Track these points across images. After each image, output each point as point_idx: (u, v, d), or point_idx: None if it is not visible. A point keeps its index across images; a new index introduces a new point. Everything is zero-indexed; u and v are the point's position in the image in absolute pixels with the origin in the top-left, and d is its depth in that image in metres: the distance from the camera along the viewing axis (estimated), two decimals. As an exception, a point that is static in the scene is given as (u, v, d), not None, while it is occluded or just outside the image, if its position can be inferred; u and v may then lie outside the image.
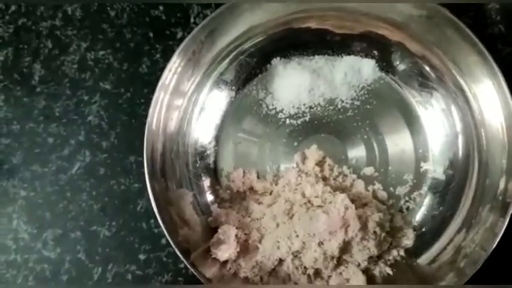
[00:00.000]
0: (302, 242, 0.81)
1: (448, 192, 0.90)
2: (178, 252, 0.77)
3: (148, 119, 0.81)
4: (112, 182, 0.92)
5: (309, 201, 0.84)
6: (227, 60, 0.92)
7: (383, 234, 0.82)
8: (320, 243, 0.80)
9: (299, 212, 0.82)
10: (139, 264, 0.87)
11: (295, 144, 0.93)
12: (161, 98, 0.84)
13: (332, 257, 0.82)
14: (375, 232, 0.81)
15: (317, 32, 0.92)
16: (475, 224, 0.80)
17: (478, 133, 0.87)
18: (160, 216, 0.78)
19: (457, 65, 0.86)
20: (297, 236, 0.80)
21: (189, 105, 0.91)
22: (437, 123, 0.91)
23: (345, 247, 0.82)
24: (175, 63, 0.84)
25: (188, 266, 0.77)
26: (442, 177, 0.91)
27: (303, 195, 0.84)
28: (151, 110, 0.81)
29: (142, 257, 0.88)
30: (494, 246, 0.72)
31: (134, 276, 0.86)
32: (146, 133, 0.80)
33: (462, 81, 0.87)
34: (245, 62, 0.92)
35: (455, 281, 0.76)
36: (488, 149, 0.85)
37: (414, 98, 0.93)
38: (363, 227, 0.80)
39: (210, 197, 0.92)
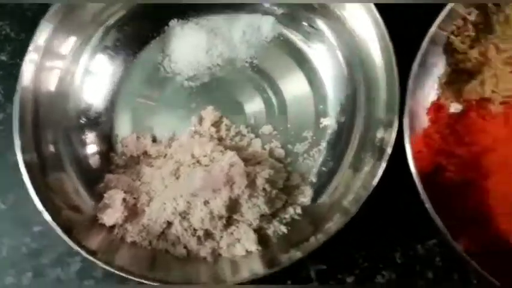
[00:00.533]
0: (187, 202, 0.78)
1: (339, 141, 0.88)
2: (59, 232, 0.77)
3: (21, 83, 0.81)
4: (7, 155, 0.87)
5: (198, 161, 0.80)
6: (108, 23, 0.90)
7: (274, 192, 0.79)
8: (206, 203, 0.77)
9: (185, 172, 0.77)
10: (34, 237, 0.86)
11: (193, 106, 0.90)
12: (35, 59, 0.84)
13: (220, 217, 0.78)
14: (264, 189, 0.78)
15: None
16: (359, 168, 0.81)
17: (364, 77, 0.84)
18: (42, 204, 0.78)
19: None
20: (181, 196, 0.75)
21: (70, 68, 0.90)
22: (337, 78, 0.89)
23: (233, 205, 0.80)
24: (48, 23, 0.83)
25: (71, 244, 0.76)
26: (336, 127, 0.88)
27: (193, 155, 0.79)
28: (22, 70, 0.82)
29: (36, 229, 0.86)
30: (373, 186, 0.74)
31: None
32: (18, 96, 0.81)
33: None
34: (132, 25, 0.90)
35: (342, 220, 0.76)
36: (370, 96, 0.83)
37: (314, 55, 0.92)
38: (251, 184, 0.78)
39: (104, 165, 0.89)
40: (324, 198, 0.85)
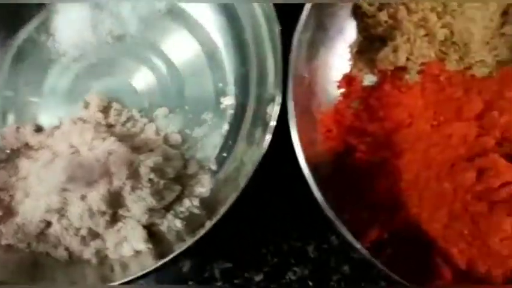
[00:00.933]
0: (63, 198, 0.65)
1: (238, 123, 0.79)
2: None
3: None
4: None
5: (78, 151, 0.67)
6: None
7: (163, 182, 0.68)
8: (83, 197, 0.65)
9: (59, 164, 0.65)
10: None
11: (81, 89, 0.81)
12: None
13: (102, 212, 0.68)
14: (150, 180, 0.66)
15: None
16: (251, 144, 0.72)
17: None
18: None
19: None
20: (54, 191, 0.64)
21: None
22: (234, 54, 0.80)
23: (115, 199, 0.70)
24: None
25: None
26: (235, 107, 0.79)
27: (71, 144, 0.68)
28: None
29: None
30: (259, 160, 0.65)
31: None
32: None
33: None
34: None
35: (234, 195, 0.65)
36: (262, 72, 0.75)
37: (212, 28, 0.82)
38: (134, 175, 0.67)
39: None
40: (222, 185, 0.74)
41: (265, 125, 0.64)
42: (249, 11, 0.71)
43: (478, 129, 0.64)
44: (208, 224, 0.64)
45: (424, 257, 0.64)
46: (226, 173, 0.75)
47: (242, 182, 0.63)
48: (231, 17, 0.77)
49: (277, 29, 0.65)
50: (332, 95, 0.75)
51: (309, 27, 0.67)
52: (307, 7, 0.65)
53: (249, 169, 0.63)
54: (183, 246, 0.63)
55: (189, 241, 0.63)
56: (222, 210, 0.63)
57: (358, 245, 0.57)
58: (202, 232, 0.63)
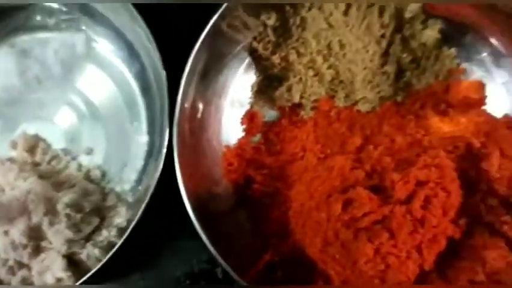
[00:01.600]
0: None
1: (152, 157, 0.86)
2: None
3: None
4: None
5: (3, 190, 0.76)
6: None
7: (79, 216, 0.75)
8: (5, 232, 0.72)
9: None
10: None
11: (10, 130, 0.88)
12: None
13: (24, 245, 0.74)
14: (68, 215, 0.73)
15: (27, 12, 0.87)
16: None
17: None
18: None
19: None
20: None
21: None
22: (148, 92, 0.86)
23: (36, 233, 0.77)
24: None
25: None
26: (148, 143, 0.87)
27: None
28: None
29: None
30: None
31: None
32: None
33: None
34: None
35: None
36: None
37: (126, 70, 0.90)
38: (52, 211, 0.74)
39: None
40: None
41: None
42: (148, 53, 0.78)
43: (353, 163, 0.70)
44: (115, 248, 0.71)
45: (309, 277, 0.71)
46: (138, 201, 0.81)
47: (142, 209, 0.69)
48: (137, 59, 0.84)
49: (164, 74, 0.73)
50: (234, 131, 0.82)
51: (201, 63, 0.77)
52: (198, 46, 0.74)
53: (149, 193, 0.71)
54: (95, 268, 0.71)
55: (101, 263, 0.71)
56: (127, 233, 0.70)
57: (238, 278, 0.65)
58: (111, 253, 0.71)
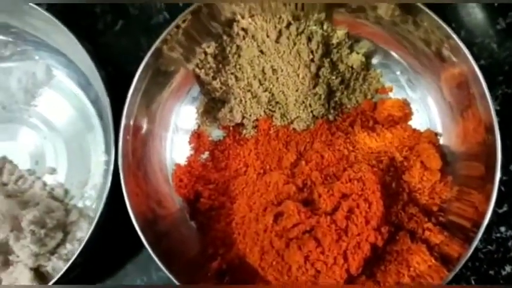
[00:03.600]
0: None
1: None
2: None
3: None
4: None
5: None
6: None
7: (43, 231, 0.83)
8: None
9: None
10: None
11: (-21, 155, 0.89)
12: None
13: None
14: (32, 231, 0.81)
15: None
16: None
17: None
18: None
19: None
20: None
21: None
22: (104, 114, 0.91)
23: (4, 248, 0.85)
24: None
25: None
26: (106, 164, 0.92)
27: None
28: None
29: None
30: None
31: None
32: None
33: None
34: None
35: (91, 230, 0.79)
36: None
37: (84, 95, 0.97)
38: (17, 227, 0.82)
39: None
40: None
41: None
42: (98, 82, 0.84)
43: (287, 178, 0.79)
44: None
45: (253, 282, 0.79)
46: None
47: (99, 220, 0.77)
48: (92, 85, 0.92)
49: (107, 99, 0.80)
50: (183, 150, 0.90)
51: (145, 84, 0.84)
52: (142, 66, 0.81)
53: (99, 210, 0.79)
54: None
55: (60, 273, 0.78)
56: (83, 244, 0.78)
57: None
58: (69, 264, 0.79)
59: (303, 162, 0.81)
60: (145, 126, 0.85)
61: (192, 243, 0.83)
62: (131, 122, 0.81)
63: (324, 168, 0.79)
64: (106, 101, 0.81)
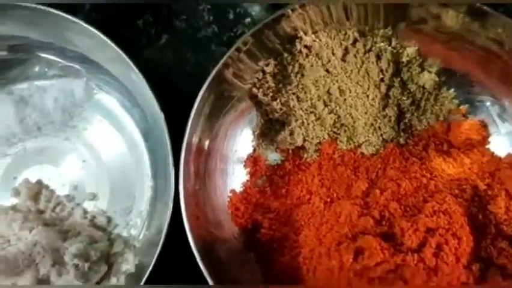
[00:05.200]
0: None
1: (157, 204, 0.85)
2: None
3: None
4: None
5: (8, 241, 0.75)
6: None
7: (87, 265, 0.75)
8: (13, 285, 0.73)
9: None
10: None
11: (13, 179, 0.88)
12: None
13: None
14: (76, 265, 0.73)
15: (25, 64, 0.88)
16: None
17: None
18: None
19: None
20: None
21: None
22: (152, 139, 0.86)
23: (44, 285, 0.74)
24: None
25: None
26: (153, 191, 0.87)
27: (2, 235, 0.75)
28: None
29: None
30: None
31: None
32: None
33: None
34: None
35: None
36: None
37: (130, 117, 0.89)
38: (60, 261, 0.74)
39: None
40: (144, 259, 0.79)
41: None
42: (145, 98, 0.78)
43: (361, 209, 0.71)
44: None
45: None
46: (147, 246, 0.82)
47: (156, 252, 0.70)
48: (136, 104, 0.84)
49: (162, 117, 0.74)
50: (238, 175, 0.83)
51: (206, 107, 0.78)
52: (203, 90, 0.76)
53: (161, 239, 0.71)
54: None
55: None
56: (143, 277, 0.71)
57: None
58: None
59: (377, 191, 0.74)
60: (205, 148, 0.80)
61: (250, 276, 0.77)
62: (193, 144, 0.76)
63: (402, 198, 0.73)
64: (161, 120, 0.75)
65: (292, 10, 0.75)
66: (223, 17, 0.88)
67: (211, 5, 0.87)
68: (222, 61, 0.74)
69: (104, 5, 0.84)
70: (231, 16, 0.88)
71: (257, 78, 0.80)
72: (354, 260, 0.68)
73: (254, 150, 0.84)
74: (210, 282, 0.68)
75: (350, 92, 0.79)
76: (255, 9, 0.87)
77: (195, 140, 0.76)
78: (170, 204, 0.71)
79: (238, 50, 0.75)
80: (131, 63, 0.75)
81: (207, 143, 0.80)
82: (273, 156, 0.84)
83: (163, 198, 0.79)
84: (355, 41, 0.79)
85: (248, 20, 0.89)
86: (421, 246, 0.69)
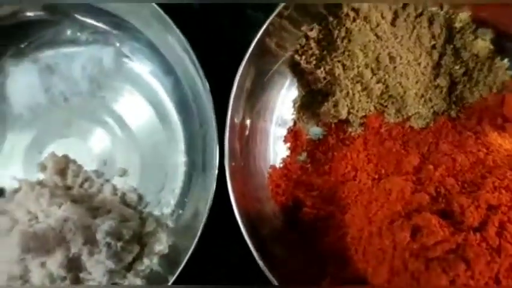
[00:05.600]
0: (24, 266, 0.67)
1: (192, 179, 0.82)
2: None
3: None
4: None
5: (36, 218, 0.70)
6: None
7: (119, 244, 0.71)
8: (42, 264, 0.68)
9: (17, 232, 0.68)
10: None
11: (38, 150, 0.83)
12: None
13: (63, 277, 0.71)
14: (108, 244, 0.68)
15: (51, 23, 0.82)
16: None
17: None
18: None
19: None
20: (14, 259, 0.67)
21: None
22: (183, 112, 0.81)
23: (74, 264, 0.74)
24: None
25: None
26: (187, 165, 0.83)
27: (29, 211, 0.70)
28: None
29: None
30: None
31: None
32: None
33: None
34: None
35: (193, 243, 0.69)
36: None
37: (161, 87, 0.84)
38: (91, 240, 0.69)
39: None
40: (180, 238, 0.77)
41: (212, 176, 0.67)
42: (183, 65, 0.74)
43: (414, 185, 0.66)
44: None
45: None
46: (182, 226, 0.76)
47: (198, 230, 0.67)
48: (174, 77, 0.80)
49: (207, 86, 0.69)
50: (279, 150, 0.79)
51: (248, 80, 0.72)
52: (244, 62, 0.70)
53: (203, 218, 0.67)
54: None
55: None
56: (183, 260, 0.67)
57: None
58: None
59: (431, 167, 0.70)
60: (247, 124, 0.76)
61: (295, 259, 0.72)
62: (236, 118, 0.72)
63: (458, 173, 0.69)
64: (206, 93, 0.71)
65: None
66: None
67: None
68: (262, 30, 0.69)
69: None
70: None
71: (299, 44, 0.75)
72: (411, 239, 0.60)
73: (294, 123, 0.79)
74: (259, 262, 0.66)
75: (401, 59, 0.73)
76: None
77: (238, 116, 0.72)
78: (214, 184, 0.67)
79: (279, 15, 0.70)
80: (172, 23, 0.70)
81: (248, 118, 0.76)
82: (314, 130, 0.79)
83: (199, 176, 0.77)
84: (405, 4, 0.72)
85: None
86: (483, 224, 0.64)
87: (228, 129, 0.68)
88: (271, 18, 0.69)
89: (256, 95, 0.75)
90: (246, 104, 0.73)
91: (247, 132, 0.75)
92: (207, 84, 0.68)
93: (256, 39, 0.69)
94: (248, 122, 0.75)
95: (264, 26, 0.69)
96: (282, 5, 0.68)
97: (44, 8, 0.80)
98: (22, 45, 0.83)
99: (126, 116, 0.82)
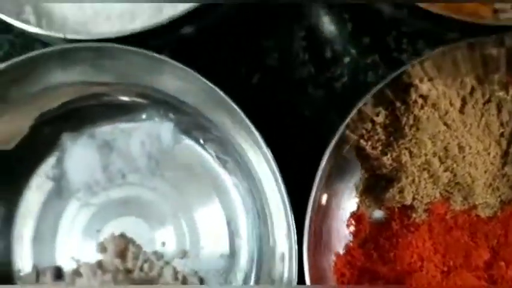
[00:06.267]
0: None
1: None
2: None
3: None
4: None
5: None
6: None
7: None
8: None
9: None
10: None
11: (96, 232, 0.82)
12: None
13: None
14: None
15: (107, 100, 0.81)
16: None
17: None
18: None
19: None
20: None
21: None
22: (244, 200, 0.81)
23: None
24: None
25: None
26: (247, 253, 0.81)
27: None
28: None
29: None
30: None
31: None
32: None
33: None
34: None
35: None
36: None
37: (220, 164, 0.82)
38: None
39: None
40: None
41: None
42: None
43: (487, 283, 0.64)
44: None
45: None
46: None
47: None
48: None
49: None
50: (342, 237, 0.77)
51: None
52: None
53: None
54: None
55: None
56: None
57: None
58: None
59: (502, 263, 0.69)
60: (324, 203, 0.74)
61: None
62: (318, 202, 0.71)
63: (531, 272, 0.61)
64: (276, 172, 0.69)
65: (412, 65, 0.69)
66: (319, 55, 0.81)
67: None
68: (345, 123, 0.71)
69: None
70: (328, 55, 0.81)
71: (365, 129, 0.74)
72: None
73: (358, 207, 0.77)
74: None
75: (470, 148, 0.73)
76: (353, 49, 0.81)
77: (320, 199, 0.72)
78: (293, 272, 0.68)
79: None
80: (235, 106, 0.69)
81: (324, 200, 0.75)
82: (376, 214, 0.78)
83: (267, 262, 0.76)
84: (472, 89, 0.72)
85: (347, 59, 0.82)
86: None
87: (308, 217, 0.70)
88: (352, 113, 0.71)
89: (334, 180, 0.77)
90: (323, 188, 0.74)
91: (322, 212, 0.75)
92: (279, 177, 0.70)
93: (339, 131, 0.72)
94: (323, 204, 0.76)
95: (346, 121, 0.71)
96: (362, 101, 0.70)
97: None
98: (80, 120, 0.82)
99: (186, 193, 0.84)
